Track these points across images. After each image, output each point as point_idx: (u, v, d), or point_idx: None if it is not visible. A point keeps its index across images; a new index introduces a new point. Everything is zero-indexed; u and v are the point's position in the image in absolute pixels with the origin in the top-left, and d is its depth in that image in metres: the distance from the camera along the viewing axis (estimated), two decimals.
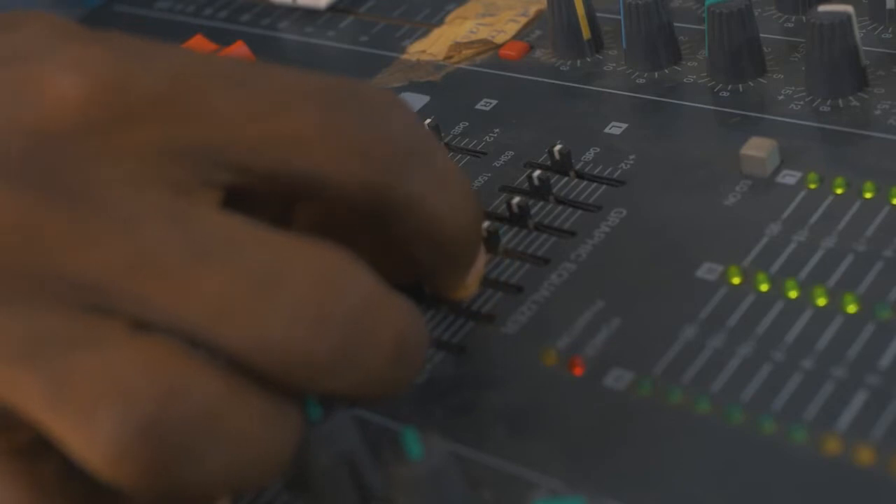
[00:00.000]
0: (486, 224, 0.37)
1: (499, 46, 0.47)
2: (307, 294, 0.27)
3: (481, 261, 0.35)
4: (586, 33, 0.45)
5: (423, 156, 0.31)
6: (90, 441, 0.26)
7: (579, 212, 0.38)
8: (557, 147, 0.40)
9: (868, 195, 0.36)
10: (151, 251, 0.27)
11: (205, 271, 0.27)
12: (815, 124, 0.39)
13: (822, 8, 0.39)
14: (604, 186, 0.39)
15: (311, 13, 0.52)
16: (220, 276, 0.27)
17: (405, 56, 0.48)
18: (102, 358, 0.26)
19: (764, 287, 0.34)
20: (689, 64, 0.43)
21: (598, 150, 0.40)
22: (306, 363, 0.27)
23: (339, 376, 0.28)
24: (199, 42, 0.49)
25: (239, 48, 0.48)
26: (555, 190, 0.39)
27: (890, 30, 0.42)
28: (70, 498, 0.28)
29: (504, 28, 0.48)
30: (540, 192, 0.39)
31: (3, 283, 0.27)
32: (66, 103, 0.28)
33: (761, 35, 0.42)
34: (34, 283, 0.27)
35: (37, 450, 0.28)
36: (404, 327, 0.29)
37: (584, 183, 0.39)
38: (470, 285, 0.35)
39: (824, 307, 0.33)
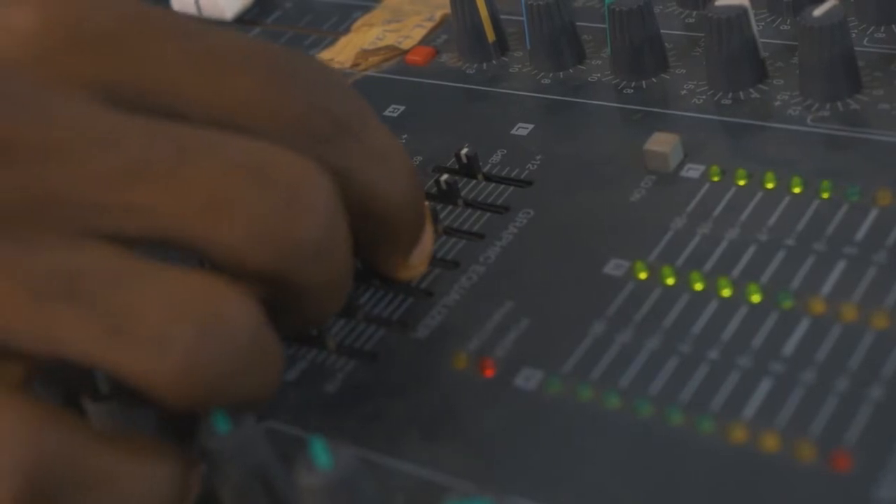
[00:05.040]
0: None
1: (405, 52, 0.47)
2: (292, 186, 0.29)
3: (428, 241, 0.35)
4: (491, 36, 0.45)
5: (356, 131, 0.32)
6: (158, 365, 0.27)
7: (488, 214, 0.38)
8: (464, 151, 0.40)
9: (769, 185, 0.36)
10: (139, 160, 0.28)
11: (195, 170, 0.28)
12: (717, 117, 0.40)
13: (719, 2, 0.40)
14: (511, 188, 0.39)
15: (217, 25, 0.52)
16: (211, 173, 0.28)
17: None
18: (155, 287, 0.28)
19: (670, 281, 0.34)
20: (593, 63, 0.44)
21: (506, 151, 0.41)
22: (296, 250, 0.29)
23: (319, 266, 0.30)
24: None
25: None
26: (463, 193, 0.39)
27: (788, 21, 0.43)
28: (68, 425, 0.28)
29: (410, 34, 0.48)
30: (448, 196, 0.39)
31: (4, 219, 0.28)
32: (18, 35, 0.29)
33: (663, 31, 0.43)
34: (34, 212, 0.28)
35: (29, 383, 0.29)
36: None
37: (492, 185, 0.39)
38: (415, 266, 0.35)
39: (729, 298, 0.33)
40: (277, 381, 0.31)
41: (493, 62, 0.45)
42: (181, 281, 0.28)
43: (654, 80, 0.42)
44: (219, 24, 0.52)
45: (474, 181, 0.40)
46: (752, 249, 0.34)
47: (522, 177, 0.39)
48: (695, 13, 0.45)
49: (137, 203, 0.28)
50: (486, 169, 0.40)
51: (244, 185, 0.29)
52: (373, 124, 0.33)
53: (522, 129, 0.41)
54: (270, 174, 0.29)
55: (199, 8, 0.52)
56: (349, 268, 0.32)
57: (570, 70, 0.44)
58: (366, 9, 0.50)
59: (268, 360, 0.30)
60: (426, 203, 0.36)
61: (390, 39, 0.48)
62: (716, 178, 0.37)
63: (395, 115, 0.44)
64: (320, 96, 0.31)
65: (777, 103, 0.40)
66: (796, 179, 0.36)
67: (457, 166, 0.40)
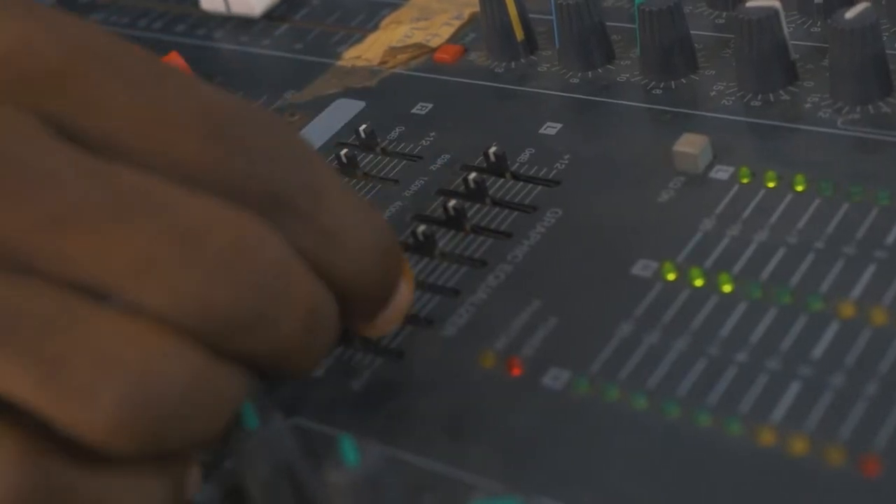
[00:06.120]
0: (422, 228, 0.37)
1: (434, 50, 0.47)
2: (226, 253, 0.28)
3: (403, 300, 0.33)
4: (519, 35, 0.45)
5: (303, 209, 0.30)
6: (90, 419, 0.27)
7: (515, 213, 0.38)
8: (492, 149, 0.40)
9: (799, 188, 0.36)
10: (75, 206, 0.27)
11: (127, 228, 0.27)
12: (747, 119, 0.40)
13: (750, 3, 0.40)
14: (539, 187, 0.39)
15: (245, 22, 0.52)
16: (142, 234, 0.28)
17: (340, 62, 0.48)
18: (87, 336, 0.27)
19: (698, 282, 0.34)
20: (622, 63, 0.44)
21: (534, 150, 0.41)
22: (223, 320, 0.28)
23: (254, 335, 0.29)
24: None
25: (173, 59, 0.48)
26: (491, 192, 0.39)
27: (818, 23, 0.43)
28: (53, 452, 0.28)
29: (439, 32, 0.48)
30: (476, 194, 0.39)
31: None
32: None
33: (693, 32, 0.42)
34: None
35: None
36: (316, 296, 0.30)
37: (520, 184, 0.39)
38: (382, 326, 0.33)
39: (758, 300, 0.33)
40: (223, 423, 0.29)
41: (522, 61, 0.45)
42: (116, 328, 0.27)
43: (683, 80, 0.42)
44: (247, 20, 0.52)
45: (502, 180, 0.40)
46: (781, 252, 0.34)
47: (550, 176, 0.39)
48: (725, 14, 0.45)
49: (68, 251, 0.27)
50: (514, 168, 0.40)
51: (172, 249, 0.27)
52: (327, 200, 0.30)
53: (551, 129, 0.41)
54: (203, 239, 0.28)
55: (227, 4, 0.52)
56: (309, 330, 0.30)
57: (599, 70, 0.44)
58: (394, 6, 0.51)
59: (212, 406, 0.29)
60: (404, 257, 0.33)
61: (418, 37, 0.48)
62: (745, 180, 0.37)
63: (423, 112, 0.44)
64: (263, 168, 0.29)
65: (807, 105, 0.39)
66: (826, 182, 0.36)
67: (485, 165, 0.40)
